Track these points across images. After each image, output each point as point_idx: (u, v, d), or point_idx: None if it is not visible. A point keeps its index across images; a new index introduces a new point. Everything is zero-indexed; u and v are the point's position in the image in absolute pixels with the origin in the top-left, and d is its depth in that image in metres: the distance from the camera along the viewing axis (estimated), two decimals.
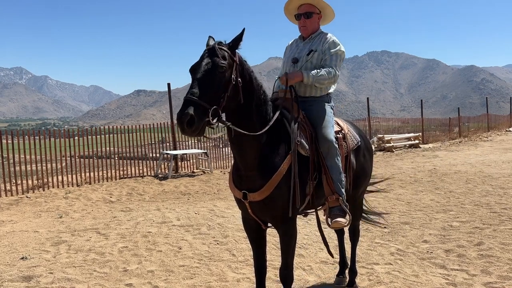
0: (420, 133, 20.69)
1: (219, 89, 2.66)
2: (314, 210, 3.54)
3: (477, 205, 7.38)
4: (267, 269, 3.79)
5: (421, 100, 23.42)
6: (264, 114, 3.04)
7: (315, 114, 3.39)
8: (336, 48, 3.46)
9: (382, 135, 18.09)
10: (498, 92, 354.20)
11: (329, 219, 3.31)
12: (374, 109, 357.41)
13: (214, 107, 2.61)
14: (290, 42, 3.78)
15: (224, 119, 2.79)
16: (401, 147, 18.26)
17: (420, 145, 19.02)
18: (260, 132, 2.96)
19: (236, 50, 2.86)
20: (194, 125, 2.51)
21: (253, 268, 3.52)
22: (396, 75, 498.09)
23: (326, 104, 3.51)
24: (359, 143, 3.80)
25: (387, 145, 17.33)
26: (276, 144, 3.07)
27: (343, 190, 3.31)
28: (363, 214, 4.45)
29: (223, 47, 2.77)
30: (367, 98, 19.99)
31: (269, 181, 2.97)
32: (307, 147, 3.16)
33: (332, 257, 3.73)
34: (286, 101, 3.31)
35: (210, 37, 2.89)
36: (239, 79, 2.81)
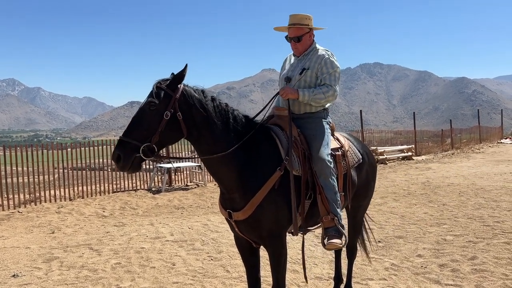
0: (413, 145, 20.81)
1: (150, 126, 2.80)
2: (313, 227, 3.52)
3: (470, 218, 7.40)
4: (262, 285, 3.77)
5: (414, 113, 23.60)
6: (232, 134, 3.05)
7: (310, 132, 3.36)
8: (334, 68, 3.40)
9: (375, 147, 18.15)
10: (489, 104, 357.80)
11: (324, 240, 3.27)
12: (367, 120, 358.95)
13: (146, 144, 2.76)
14: (288, 57, 3.72)
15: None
16: (395, 159, 18.34)
17: (413, 157, 19.12)
18: (209, 156, 3.01)
19: (182, 84, 2.92)
20: (121, 162, 2.75)
21: (247, 286, 3.50)
22: (389, 87, 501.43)
23: (322, 120, 3.47)
24: (361, 160, 3.76)
25: (381, 157, 17.38)
26: (259, 162, 3.08)
27: (338, 210, 3.28)
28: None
29: (161, 85, 2.88)
30: (360, 111, 20.11)
31: (251, 201, 2.99)
32: (297, 166, 3.15)
33: (307, 282, 3.70)
34: (281, 118, 3.33)
35: (172, 73, 2.98)
36: (179, 113, 2.85)
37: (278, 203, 3.05)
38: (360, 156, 3.78)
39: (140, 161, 2.79)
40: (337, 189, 3.30)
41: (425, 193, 10.17)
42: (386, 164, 17.09)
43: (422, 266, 5.14)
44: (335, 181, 3.30)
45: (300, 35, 3.43)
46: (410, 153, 19.12)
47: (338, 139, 3.67)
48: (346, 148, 3.64)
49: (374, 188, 4.20)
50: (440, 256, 5.47)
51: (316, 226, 3.49)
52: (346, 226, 3.49)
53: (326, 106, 3.54)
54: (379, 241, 6.23)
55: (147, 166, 13.45)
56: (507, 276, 4.71)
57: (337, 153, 3.51)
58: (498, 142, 26.89)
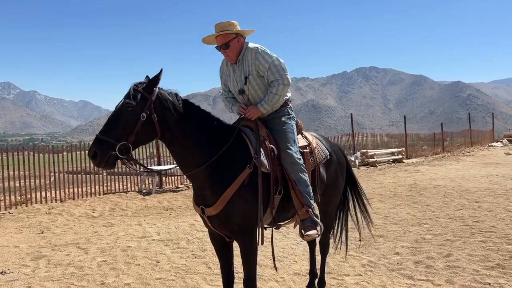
0: (404, 148, 21.02)
1: (126, 126, 2.95)
2: (284, 223, 3.72)
3: (451, 218, 7.59)
4: (239, 282, 3.95)
5: (404, 116, 23.94)
6: (203, 135, 3.21)
7: (277, 132, 3.54)
8: (269, 61, 3.46)
9: (365, 150, 18.35)
10: (485, 108, 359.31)
11: (302, 231, 3.46)
12: (363, 124, 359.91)
13: (122, 142, 2.91)
14: (224, 63, 3.73)
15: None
16: (385, 162, 18.54)
17: (404, 160, 19.33)
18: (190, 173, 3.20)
19: (157, 87, 3.07)
20: (97, 158, 2.87)
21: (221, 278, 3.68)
22: (384, 91, 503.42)
23: (286, 117, 3.62)
24: (328, 156, 3.95)
25: (371, 160, 17.59)
26: (230, 161, 3.25)
27: (311, 202, 3.48)
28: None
29: (138, 88, 3.03)
30: (351, 114, 20.38)
31: (221, 197, 3.16)
32: (266, 163, 3.33)
33: (276, 271, 3.99)
34: (249, 120, 3.52)
35: (146, 76, 3.14)
36: (154, 114, 3.01)
37: (248, 199, 3.22)
38: (328, 153, 3.96)
39: (115, 159, 2.93)
40: (308, 182, 3.49)
41: (411, 194, 10.36)
42: (376, 166, 17.29)
43: (398, 263, 5.31)
44: (306, 175, 3.49)
45: (227, 42, 3.47)
46: (400, 156, 19.32)
47: (306, 137, 3.87)
48: (314, 146, 3.84)
49: (343, 186, 4.39)
50: (416, 254, 5.65)
51: (286, 221, 3.68)
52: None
53: (285, 99, 3.62)
54: (359, 240, 6.41)
55: (137, 170, 13.63)
56: (478, 272, 4.90)
57: (305, 150, 3.71)
58: (489, 145, 27.17)
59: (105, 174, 12.15)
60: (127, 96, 3.02)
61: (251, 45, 3.54)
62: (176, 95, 3.22)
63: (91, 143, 3.02)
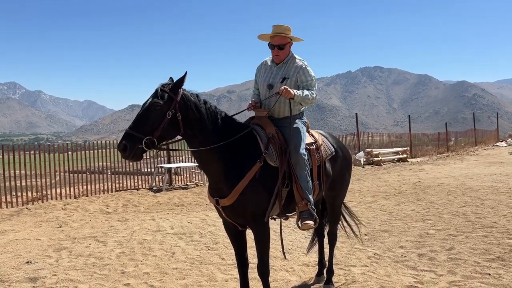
0: (408, 147, 21.22)
1: (154, 122, 3.25)
2: (291, 214, 4.01)
3: (454, 215, 7.83)
4: (253, 270, 4.23)
5: (409, 116, 24.15)
6: (219, 133, 3.51)
7: (288, 131, 3.86)
8: (311, 76, 3.92)
9: (370, 150, 18.57)
10: (490, 107, 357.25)
11: (299, 222, 3.76)
12: (368, 124, 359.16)
13: (148, 137, 3.19)
14: (264, 62, 4.15)
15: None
16: (390, 161, 18.75)
17: (408, 159, 19.54)
18: (200, 148, 3.47)
19: (181, 88, 3.37)
20: (127, 151, 3.15)
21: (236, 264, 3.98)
22: (389, 90, 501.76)
23: (298, 120, 3.98)
24: (334, 153, 4.25)
25: (375, 159, 17.81)
26: (242, 156, 3.56)
27: (310, 196, 3.77)
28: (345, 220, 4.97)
29: (164, 88, 3.33)
30: (356, 114, 20.60)
31: (235, 189, 3.47)
32: (275, 158, 3.64)
33: (286, 258, 4.57)
34: (260, 119, 3.86)
35: (170, 78, 3.46)
36: (179, 113, 3.31)
37: (259, 190, 3.53)
38: (333, 149, 4.26)
39: (142, 151, 3.22)
40: (309, 178, 3.79)
41: (415, 192, 10.60)
42: (381, 165, 17.51)
43: (402, 256, 5.58)
44: (308, 172, 3.80)
45: (283, 44, 3.90)
46: (405, 155, 19.52)
47: (312, 135, 4.18)
48: (320, 143, 4.15)
49: (350, 180, 4.67)
50: (420, 247, 5.91)
51: (294, 213, 3.97)
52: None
53: (302, 109, 4.06)
54: (365, 234, 6.68)
55: (149, 169, 13.95)
56: (479, 264, 5.16)
57: (312, 147, 4.02)
58: (493, 145, 27.28)
59: (109, 173, 12.46)
60: (155, 95, 3.30)
61: (298, 58, 3.99)
62: (197, 95, 3.52)
63: (120, 138, 3.31)
